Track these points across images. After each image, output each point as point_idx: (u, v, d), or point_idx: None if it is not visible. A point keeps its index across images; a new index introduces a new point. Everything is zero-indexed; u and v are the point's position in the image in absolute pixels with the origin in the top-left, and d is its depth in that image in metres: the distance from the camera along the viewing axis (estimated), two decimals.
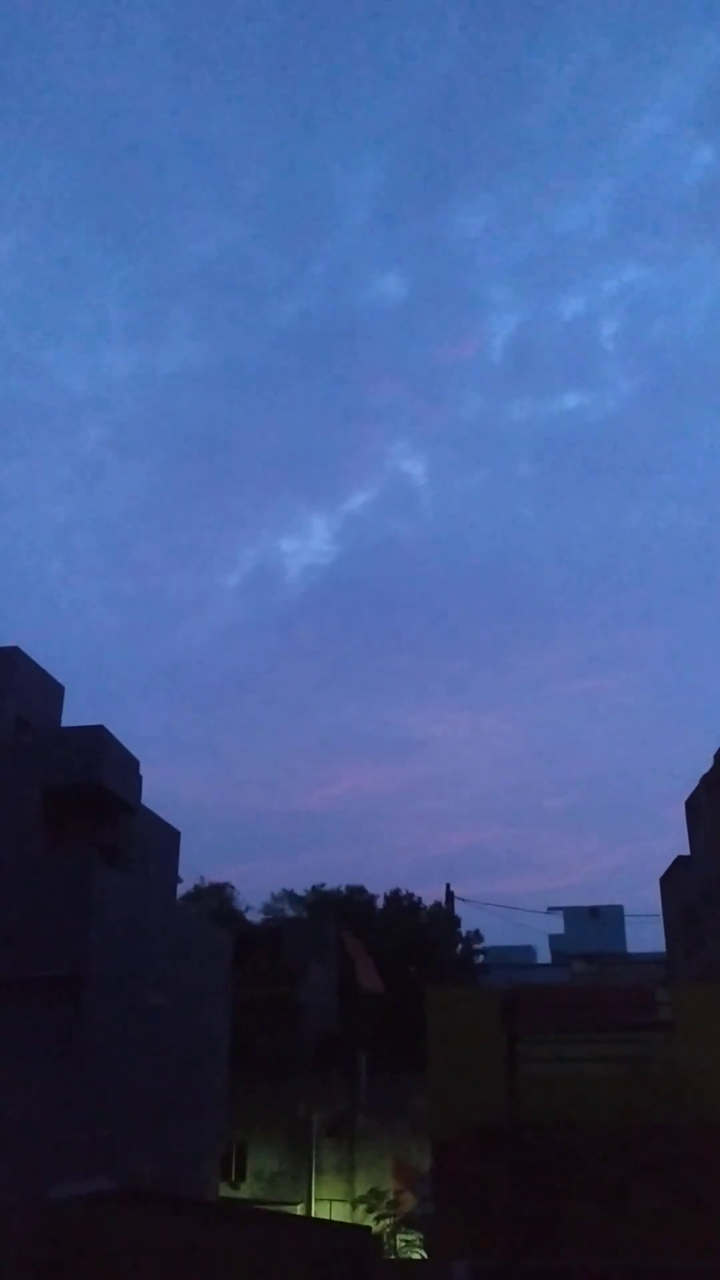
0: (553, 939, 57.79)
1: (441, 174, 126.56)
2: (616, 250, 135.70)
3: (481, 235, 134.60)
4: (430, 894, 49.14)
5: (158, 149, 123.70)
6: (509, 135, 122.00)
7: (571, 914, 56.83)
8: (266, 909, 49.44)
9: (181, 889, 32.60)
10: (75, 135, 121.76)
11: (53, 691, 24.56)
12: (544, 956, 60.34)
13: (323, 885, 50.20)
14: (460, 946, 45.53)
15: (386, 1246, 22.00)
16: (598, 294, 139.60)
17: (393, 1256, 21.90)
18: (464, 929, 47.00)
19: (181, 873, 27.79)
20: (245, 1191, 29.39)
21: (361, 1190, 27.82)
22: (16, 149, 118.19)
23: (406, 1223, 23.82)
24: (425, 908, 47.94)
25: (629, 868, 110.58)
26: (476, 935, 49.73)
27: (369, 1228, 20.73)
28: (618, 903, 60.89)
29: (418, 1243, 22.35)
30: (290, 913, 48.23)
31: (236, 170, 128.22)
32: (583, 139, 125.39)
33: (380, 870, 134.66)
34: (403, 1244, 23.37)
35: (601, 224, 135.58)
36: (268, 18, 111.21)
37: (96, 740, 21.67)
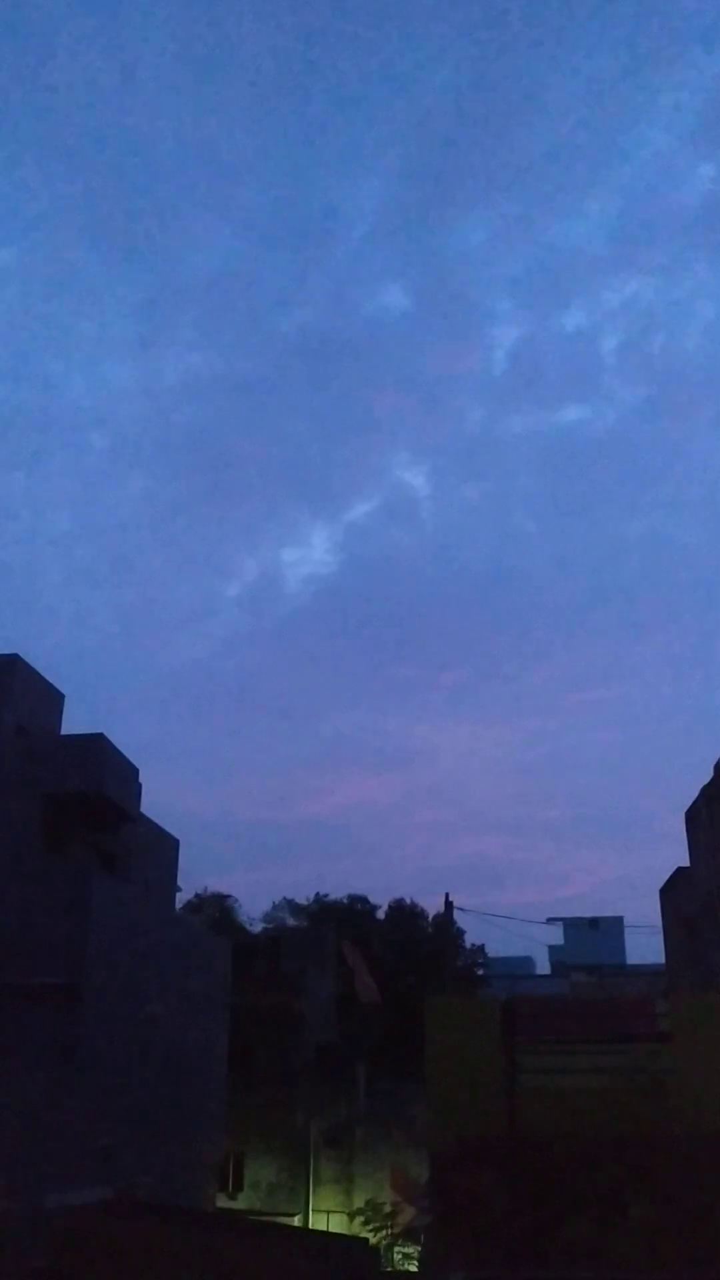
0: (552, 950, 57.56)
1: (444, 187, 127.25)
2: (618, 264, 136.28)
3: (483, 248, 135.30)
4: (432, 904, 48.93)
5: (161, 162, 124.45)
6: (511, 149, 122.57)
7: (571, 925, 56.64)
8: (267, 918, 49.31)
9: (181, 898, 32.57)
10: (79, 148, 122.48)
11: (53, 700, 24.58)
12: (543, 967, 60.12)
13: (326, 895, 50.09)
14: (463, 960, 45.31)
15: (384, 1259, 21.85)
16: (599, 307, 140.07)
17: (390, 1269, 21.75)
18: (467, 941, 46.85)
19: (181, 882, 27.82)
20: (242, 1202, 29.24)
21: (360, 1201, 27.63)
22: (21, 161, 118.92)
23: (405, 1235, 23.66)
24: (428, 917, 47.79)
25: (629, 879, 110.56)
26: (480, 950, 49.58)
27: (367, 1239, 20.61)
28: (617, 914, 60.68)
29: (414, 1255, 22.20)
30: (291, 922, 48.06)
31: (240, 183, 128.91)
32: (584, 154, 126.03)
33: (381, 880, 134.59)
34: (400, 1257, 23.20)
35: (603, 238, 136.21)
36: (272, 33, 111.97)
37: (96, 748, 21.69)
